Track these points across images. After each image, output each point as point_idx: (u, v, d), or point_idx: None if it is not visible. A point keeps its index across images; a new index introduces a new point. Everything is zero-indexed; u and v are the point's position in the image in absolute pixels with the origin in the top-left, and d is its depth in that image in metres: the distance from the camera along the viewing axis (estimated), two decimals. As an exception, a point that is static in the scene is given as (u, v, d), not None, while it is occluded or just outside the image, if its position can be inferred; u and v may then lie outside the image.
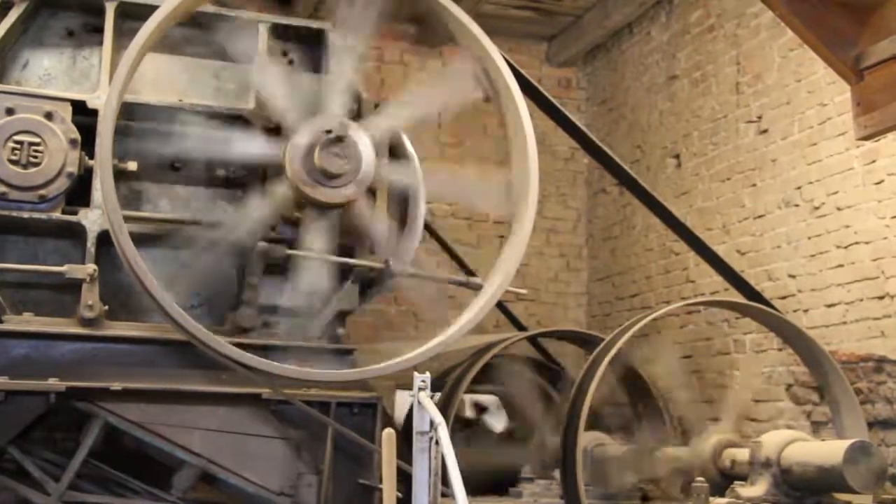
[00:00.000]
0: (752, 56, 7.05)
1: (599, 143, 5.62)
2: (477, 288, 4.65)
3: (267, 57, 4.73)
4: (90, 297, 4.30)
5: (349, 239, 4.63)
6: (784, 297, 6.41)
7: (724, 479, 4.89)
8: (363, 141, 4.29)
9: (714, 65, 7.51)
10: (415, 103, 4.51)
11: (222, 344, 3.98)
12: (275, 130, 4.45)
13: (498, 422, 7.19)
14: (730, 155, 7.25)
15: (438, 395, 5.53)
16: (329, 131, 4.18)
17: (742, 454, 4.84)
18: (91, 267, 4.30)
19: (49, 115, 4.33)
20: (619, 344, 5.39)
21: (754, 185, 6.94)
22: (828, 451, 4.34)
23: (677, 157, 7.97)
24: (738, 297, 5.81)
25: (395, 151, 4.87)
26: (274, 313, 4.67)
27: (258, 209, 4.22)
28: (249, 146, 4.33)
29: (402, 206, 4.94)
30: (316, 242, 4.26)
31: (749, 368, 6.72)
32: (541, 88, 5.29)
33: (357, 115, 4.70)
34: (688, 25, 7.90)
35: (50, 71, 4.61)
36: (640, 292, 8.38)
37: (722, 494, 4.57)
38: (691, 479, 4.65)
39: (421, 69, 8.97)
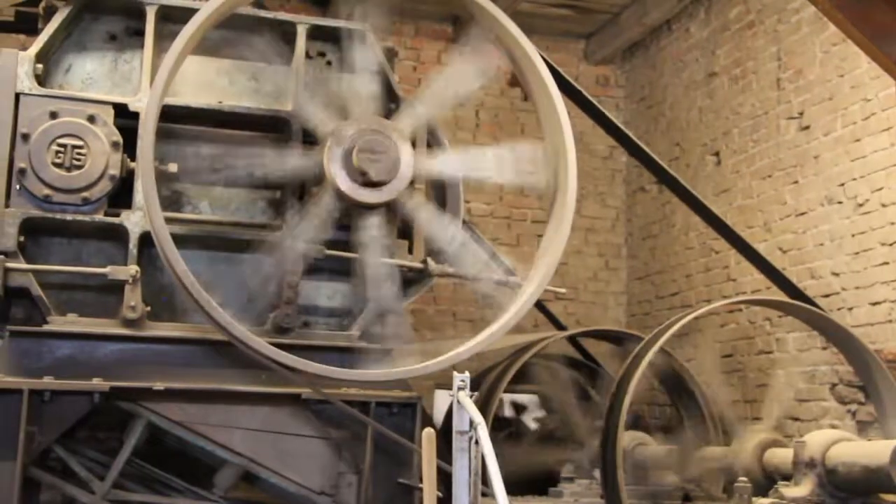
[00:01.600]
0: (793, 52, 6.96)
1: (638, 141, 5.59)
2: (516, 287, 4.64)
3: (303, 60, 4.74)
4: (133, 298, 4.34)
5: (388, 238, 4.64)
6: (827, 296, 6.32)
7: (768, 480, 4.84)
8: (401, 139, 4.30)
9: (754, 61, 7.42)
10: (441, 89, 4.50)
11: (262, 344, 4.01)
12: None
13: (535, 421, 7.17)
14: (771, 152, 7.16)
15: (476, 394, 5.53)
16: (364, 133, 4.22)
17: (786, 454, 4.78)
18: (133, 268, 4.34)
19: (92, 119, 4.38)
20: (660, 343, 5.36)
21: (796, 182, 6.85)
22: (874, 451, 4.27)
23: (717, 154, 7.89)
24: (780, 296, 5.75)
25: (429, 143, 4.88)
26: (314, 313, 4.69)
27: (312, 220, 4.23)
28: (287, 161, 4.36)
29: (440, 202, 4.94)
30: (367, 242, 4.28)
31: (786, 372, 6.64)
32: (579, 87, 5.27)
33: (395, 114, 4.71)
34: (727, 22, 7.82)
35: (92, 74, 4.66)
36: (680, 291, 8.31)
37: (765, 495, 4.51)
38: (733, 479, 4.61)
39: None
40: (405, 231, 4.77)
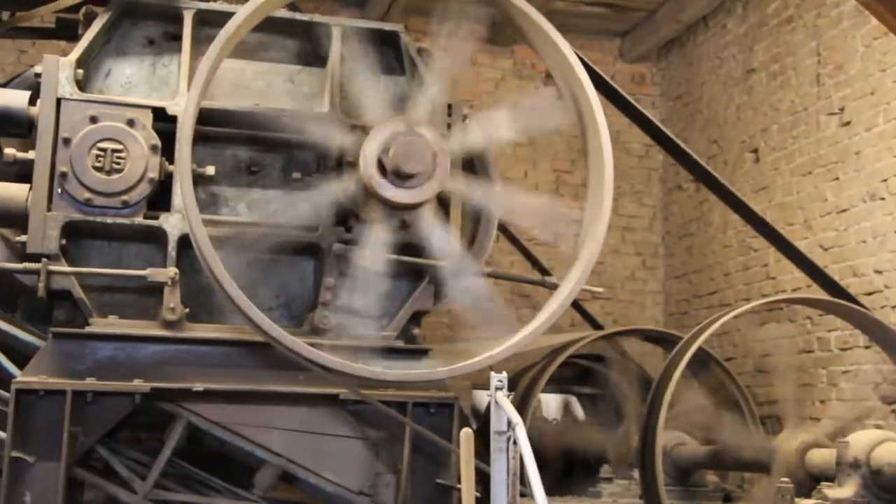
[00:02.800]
0: (833, 46, 6.87)
1: (675, 138, 5.55)
2: (552, 287, 4.62)
3: (338, 62, 4.75)
4: (172, 300, 4.38)
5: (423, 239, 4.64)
6: (870, 294, 6.24)
7: (811, 480, 4.79)
8: (440, 147, 4.29)
9: (793, 56, 7.34)
10: (503, 125, 4.48)
11: (300, 345, 4.02)
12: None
13: (556, 411, 7.15)
14: (811, 148, 7.08)
15: (513, 394, 5.53)
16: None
17: (829, 455, 4.72)
18: (172, 270, 4.38)
19: (131, 123, 4.42)
20: (699, 342, 5.32)
21: (837, 178, 6.77)
22: (919, 451, 4.21)
23: (756, 151, 7.82)
24: (821, 294, 5.68)
25: (478, 168, 4.89)
26: (351, 314, 4.70)
27: (379, 237, 4.24)
28: (329, 133, 4.35)
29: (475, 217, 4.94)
30: (373, 241, 4.27)
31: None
32: (615, 85, 5.24)
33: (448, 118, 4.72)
34: (765, 17, 7.74)
35: (131, 79, 4.71)
36: (719, 290, 8.24)
37: (808, 496, 4.47)
38: (776, 479, 4.56)
39: (492, 68, 8.97)
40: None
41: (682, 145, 5.53)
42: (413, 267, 4.60)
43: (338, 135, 4.36)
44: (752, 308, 5.94)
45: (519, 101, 4.49)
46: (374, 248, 4.22)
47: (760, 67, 7.79)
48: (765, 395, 7.14)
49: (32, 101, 4.42)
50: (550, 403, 7.21)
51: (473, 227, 4.94)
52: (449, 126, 4.72)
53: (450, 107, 4.83)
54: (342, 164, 4.44)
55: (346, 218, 4.53)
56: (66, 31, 5.00)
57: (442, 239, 4.34)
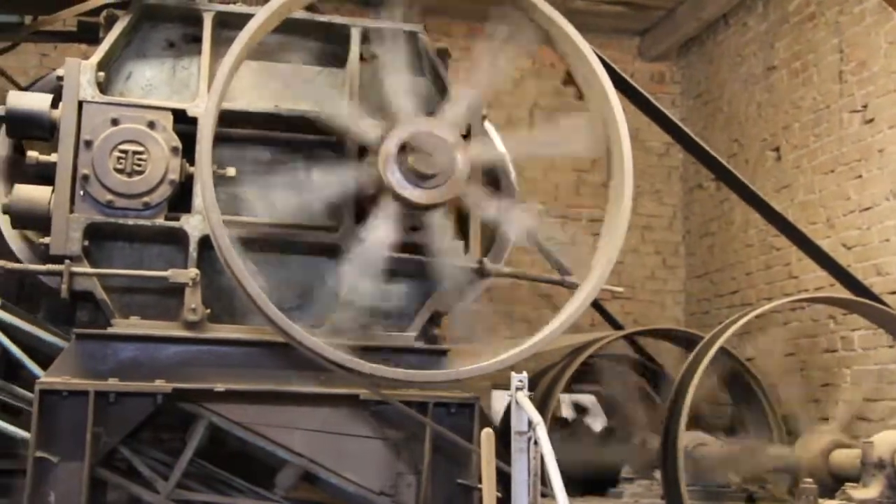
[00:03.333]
0: (856, 43, 6.82)
1: (695, 137, 5.53)
2: (572, 287, 4.61)
3: (357, 63, 4.76)
4: (193, 301, 4.40)
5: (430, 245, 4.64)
6: (894, 293, 6.19)
7: (834, 481, 4.75)
8: (452, 134, 4.28)
9: (815, 54, 7.29)
10: (482, 77, 4.48)
11: (321, 345, 4.03)
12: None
13: (597, 422, 7.13)
14: (833, 146, 7.02)
15: (533, 394, 5.53)
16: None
17: (853, 455, 4.69)
18: (193, 271, 4.40)
19: (152, 125, 4.45)
20: (720, 342, 5.30)
21: (860, 176, 6.71)
22: (946, 451, 4.17)
23: (777, 149, 7.77)
24: (845, 293, 5.64)
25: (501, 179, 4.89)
26: (371, 314, 4.71)
27: (384, 230, 4.24)
28: (343, 178, 4.37)
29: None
30: (435, 241, 4.28)
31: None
32: (634, 83, 5.22)
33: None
34: (786, 14, 7.69)
35: (152, 81, 4.73)
36: (740, 289, 8.20)
37: (832, 496, 4.44)
38: (798, 479, 4.53)
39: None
40: (461, 231, 4.76)
41: (703, 144, 5.50)
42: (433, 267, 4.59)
43: (363, 123, 4.35)
44: (775, 307, 5.91)
45: (549, 123, 4.48)
46: (378, 239, 4.22)
47: (782, 65, 7.74)
48: (787, 395, 7.09)
49: (54, 104, 4.45)
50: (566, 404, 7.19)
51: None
52: (469, 130, 4.72)
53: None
54: (362, 154, 4.43)
55: (366, 218, 4.54)
56: (88, 34, 5.03)
57: (448, 251, 4.33)
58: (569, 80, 8.23)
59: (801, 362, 7.18)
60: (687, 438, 5.45)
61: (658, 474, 5.63)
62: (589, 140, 4.41)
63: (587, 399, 7.34)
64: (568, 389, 6.75)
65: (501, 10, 4.43)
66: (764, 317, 6.17)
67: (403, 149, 4.23)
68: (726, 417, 7.60)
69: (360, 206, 4.52)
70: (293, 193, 4.52)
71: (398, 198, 4.25)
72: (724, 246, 8.52)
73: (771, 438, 6.18)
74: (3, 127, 4.63)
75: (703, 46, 9.01)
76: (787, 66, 7.66)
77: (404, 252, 4.49)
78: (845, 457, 4.79)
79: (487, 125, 4.94)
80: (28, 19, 5.20)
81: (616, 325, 7.50)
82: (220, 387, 4.32)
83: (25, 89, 5.20)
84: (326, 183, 4.35)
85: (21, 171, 4.64)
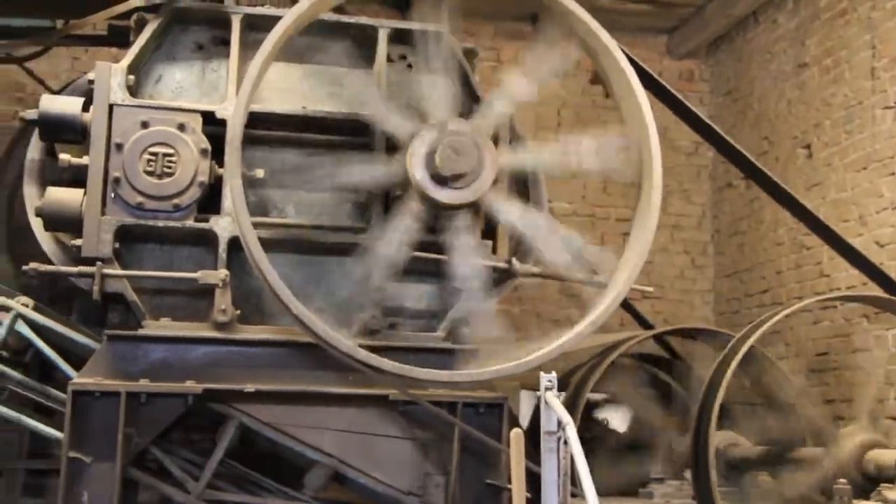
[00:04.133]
0: (888, 39, 6.74)
1: (725, 135, 5.48)
2: (601, 286, 4.59)
3: (384, 63, 4.77)
4: (223, 302, 4.43)
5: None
6: (928, 291, 6.10)
7: (868, 482, 4.70)
8: (481, 137, 4.29)
9: (847, 50, 7.21)
10: (516, 84, 4.47)
11: (349, 346, 4.04)
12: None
13: (622, 423, 7.09)
14: (865, 143, 6.95)
15: (563, 394, 5.52)
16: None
17: (888, 455, 4.64)
18: (223, 272, 4.42)
19: (181, 127, 4.48)
20: (751, 341, 5.26)
21: (893, 173, 6.64)
22: (982, 451, 4.11)
23: (808, 147, 7.70)
24: (878, 292, 5.58)
25: (530, 188, 4.90)
26: (400, 315, 4.72)
27: (402, 227, 4.25)
28: (371, 171, 4.39)
29: (523, 198, 4.92)
30: (455, 243, 4.29)
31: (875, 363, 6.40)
32: (662, 82, 5.20)
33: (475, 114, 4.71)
34: (817, 11, 7.62)
35: (181, 84, 4.76)
36: (770, 288, 8.13)
37: (866, 497, 4.38)
38: (832, 482, 4.48)
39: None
40: (489, 231, 4.76)
41: (732, 142, 5.46)
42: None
43: (396, 118, 4.37)
44: (806, 306, 5.86)
45: (582, 137, 4.47)
46: (397, 236, 4.22)
47: (813, 62, 7.67)
48: (819, 395, 7.02)
49: (86, 108, 4.49)
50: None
51: (522, 196, 4.93)
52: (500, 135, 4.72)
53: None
54: (392, 149, 4.45)
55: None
56: (118, 37, 5.07)
57: (465, 256, 4.32)
58: (596, 78, 8.20)
59: (833, 361, 7.11)
60: (718, 438, 5.42)
61: (689, 475, 5.60)
62: (620, 159, 4.40)
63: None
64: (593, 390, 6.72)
65: (528, 9, 4.41)
66: (794, 316, 6.11)
67: (432, 149, 4.23)
68: (756, 417, 7.54)
69: (389, 208, 4.54)
70: (323, 188, 4.55)
71: (424, 197, 4.25)
72: (753, 245, 8.45)
73: (802, 437, 6.11)
74: (36, 131, 4.68)
75: (732, 44, 8.94)
76: (819, 63, 7.59)
77: (431, 252, 4.50)
78: (880, 457, 4.73)
79: (521, 134, 4.94)
80: (59, 23, 5.25)
81: (646, 325, 7.47)
82: (249, 387, 4.34)
83: (57, 93, 5.25)
84: (355, 173, 4.36)
85: (53, 175, 4.69)
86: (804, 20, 7.80)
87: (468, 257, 4.32)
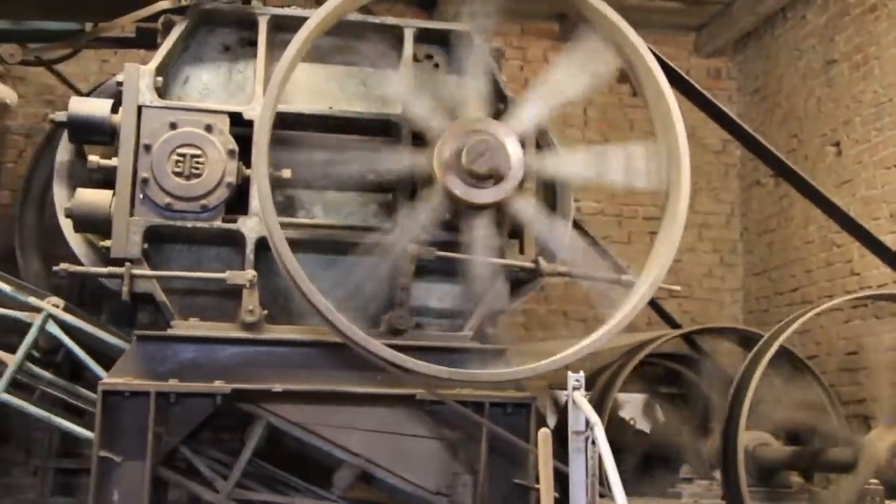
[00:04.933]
0: (919, 34, 6.66)
1: (753, 133, 5.44)
2: (629, 286, 4.57)
3: (411, 63, 4.78)
4: (250, 302, 4.44)
5: (497, 239, 4.64)
6: (961, 289, 6.03)
7: (900, 483, 4.64)
8: (509, 139, 4.29)
9: (877, 46, 7.13)
10: (553, 89, 4.47)
11: (377, 346, 4.04)
12: (424, 134, 4.48)
13: (646, 423, 7.05)
14: (896, 140, 6.87)
15: (589, 394, 5.50)
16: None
17: (920, 456, 4.58)
18: (251, 273, 4.44)
19: (209, 128, 4.50)
20: (780, 340, 5.21)
21: (924, 170, 6.56)
22: None
23: (837, 144, 7.61)
24: (909, 290, 5.51)
25: (538, 143, 4.86)
26: (427, 315, 4.72)
27: (419, 219, 4.26)
28: (398, 160, 4.41)
29: (549, 201, 4.91)
30: (475, 243, 4.28)
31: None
32: (690, 80, 5.16)
33: (504, 114, 4.70)
34: (847, 7, 7.53)
35: (208, 85, 4.79)
36: (800, 287, 8.05)
37: (897, 498, 4.33)
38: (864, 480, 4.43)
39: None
40: (516, 230, 4.75)
41: (761, 140, 5.41)
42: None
43: (428, 114, 4.37)
44: (836, 305, 5.80)
45: (615, 149, 4.47)
46: (417, 229, 4.22)
47: (842, 58, 7.58)
48: (850, 395, 6.95)
49: (114, 110, 4.53)
50: (630, 404, 7.13)
51: (549, 194, 4.93)
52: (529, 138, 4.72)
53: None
54: (419, 146, 4.47)
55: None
56: (146, 39, 5.11)
57: (485, 255, 4.31)
58: (623, 77, 8.15)
59: (864, 361, 7.03)
60: (747, 438, 5.38)
61: (718, 474, 5.56)
62: (649, 172, 4.39)
63: (637, 398, 7.27)
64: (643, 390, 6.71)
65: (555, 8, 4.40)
66: (824, 315, 6.04)
67: (459, 147, 4.23)
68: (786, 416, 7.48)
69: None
70: (349, 185, 4.57)
71: (449, 195, 4.25)
72: (783, 243, 8.37)
73: (834, 437, 6.05)
74: (65, 133, 4.72)
75: (760, 41, 8.87)
76: (848, 60, 7.50)
77: (457, 252, 4.49)
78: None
79: (551, 139, 4.93)
80: (88, 26, 5.29)
81: (673, 324, 7.42)
82: (277, 387, 4.35)
83: (86, 95, 5.30)
84: (382, 162, 4.37)
85: (83, 176, 4.73)
86: (833, 16, 7.71)
87: (487, 256, 4.31)
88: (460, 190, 4.25)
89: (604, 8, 4.37)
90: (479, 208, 4.32)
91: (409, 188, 4.59)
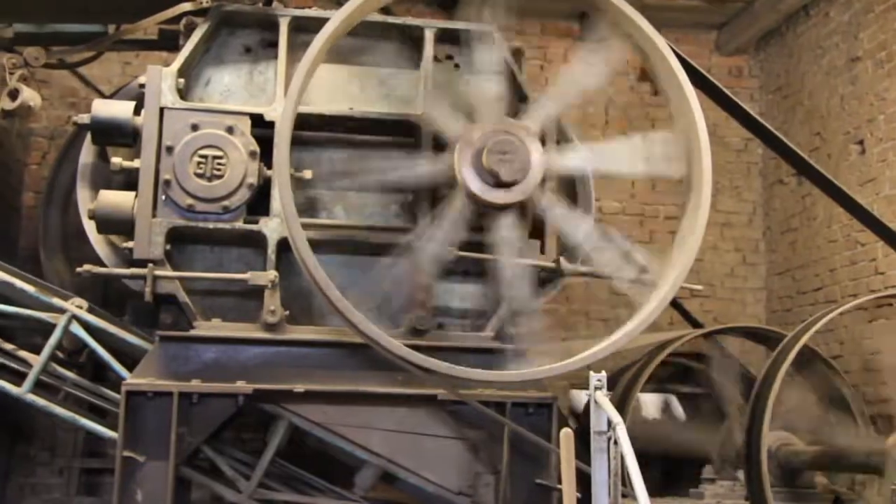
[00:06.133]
0: (944, 31, 6.59)
1: (776, 131, 5.41)
2: (650, 285, 4.55)
3: (431, 63, 4.78)
4: (272, 303, 4.46)
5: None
6: None
7: (926, 483, 4.60)
8: (531, 138, 4.28)
9: (901, 43, 7.06)
10: (570, 85, 4.45)
11: (398, 346, 4.05)
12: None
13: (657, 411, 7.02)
14: (921, 138, 6.80)
15: (612, 393, 5.48)
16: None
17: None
18: (272, 273, 4.46)
19: (230, 130, 4.52)
20: (804, 340, 5.18)
21: (949, 168, 6.49)
22: None
23: (861, 142, 7.54)
24: (934, 289, 5.46)
25: (557, 140, 4.86)
26: (448, 315, 4.72)
27: (447, 225, 4.26)
28: (419, 169, 4.40)
29: (570, 198, 4.90)
30: (501, 243, 4.28)
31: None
32: (711, 78, 5.13)
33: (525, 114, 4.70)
34: (871, 3, 7.46)
35: (230, 87, 4.81)
36: (824, 286, 7.98)
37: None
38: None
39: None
40: (537, 230, 4.74)
41: (784, 138, 5.38)
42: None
43: (448, 116, 4.37)
44: (860, 304, 5.75)
45: (633, 139, 4.46)
46: (442, 234, 4.22)
47: (866, 56, 7.51)
48: (874, 394, 6.89)
49: (137, 112, 4.56)
50: (649, 403, 7.09)
51: (570, 194, 4.92)
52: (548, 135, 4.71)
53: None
54: (439, 149, 4.46)
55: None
56: (168, 42, 5.13)
57: (575, 224, 4.28)
58: (644, 76, 8.12)
59: (880, 361, 6.96)
60: (771, 438, 5.34)
61: (741, 475, 5.53)
62: (671, 160, 4.37)
63: (669, 399, 7.24)
64: (662, 389, 6.67)
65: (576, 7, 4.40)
66: (848, 314, 5.99)
67: (480, 148, 4.23)
68: (810, 416, 7.43)
69: (436, 208, 4.54)
70: (370, 188, 4.57)
71: (471, 196, 4.25)
72: (806, 242, 8.31)
73: (859, 437, 6.00)
74: (89, 135, 4.76)
75: (782, 39, 8.80)
76: (872, 57, 7.43)
77: (478, 252, 4.49)
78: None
79: (570, 135, 4.92)
80: (111, 29, 5.32)
81: (695, 324, 7.38)
82: (299, 388, 4.37)
83: (109, 97, 5.34)
84: (402, 169, 4.37)
85: (106, 178, 4.76)
86: (857, 13, 7.65)
87: (513, 258, 4.31)
88: (481, 190, 4.24)
89: (625, 7, 4.35)
90: (502, 208, 4.31)
91: (429, 189, 4.59)
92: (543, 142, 4.50)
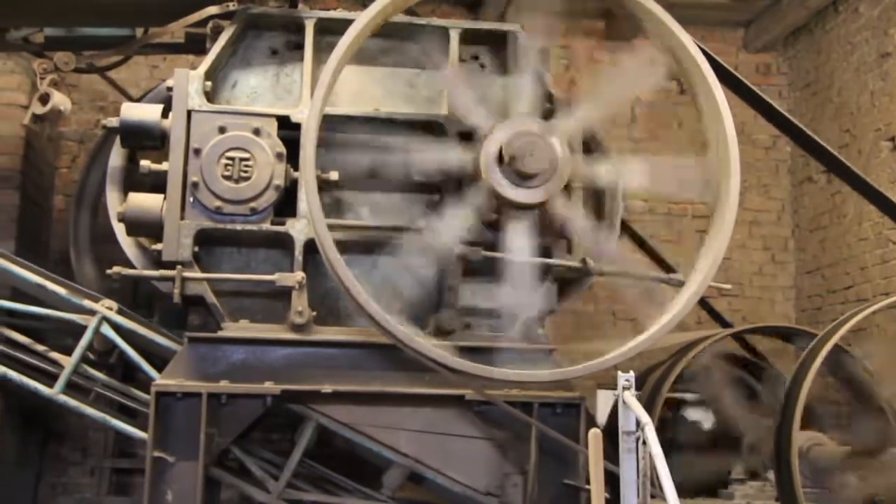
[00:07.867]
0: (975, 25, 6.50)
1: (805, 129, 5.36)
2: (678, 284, 4.52)
3: (457, 64, 4.78)
4: (299, 304, 4.48)
5: (546, 239, 4.62)
6: None
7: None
8: (556, 139, 4.27)
9: (932, 37, 6.98)
10: (606, 98, 4.44)
11: (426, 346, 4.05)
12: (469, 135, 4.48)
13: (707, 420, 6.96)
14: (952, 134, 6.72)
15: (639, 393, 5.45)
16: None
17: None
18: (299, 275, 4.47)
19: (257, 131, 4.55)
20: (835, 339, 5.12)
21: (982, 165, 6.40)
22: None
23: (892, 139, 7.46)
24: (968, 287, 5.39)
25: (589, 147, 4.83)
26: (474, 315, 4.72)
27: (460, 216, 4.26)
28: (445, 155, 4.41)
29: (597, 202, 4.88)
30: (517, 243, 4.26)
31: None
32: (739, 76, 5.10)
33: (551, 114, 4.68)
34: (900, -2, 7.39)
35: (256, 89, 4.84)
36: (855, 284, 7.90)
37: (958, 500, 4.23)
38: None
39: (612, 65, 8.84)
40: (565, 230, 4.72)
41: (813, 135, 5.33)
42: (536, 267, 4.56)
43: (481, 111, 4.37)
44: (893, 303, 5.68)
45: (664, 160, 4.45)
46: (456, 224, 4.23)
47: (896, 51, 7.43)
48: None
49: (165, 114, 4.59)
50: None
51: (597, 205, 4.90)
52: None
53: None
54: (467, 138, 4.46)
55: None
56: (195, 45, 5.17)
57: (522, 257, 4.28)
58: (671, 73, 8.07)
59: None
60: (802, 439, 5.29)
61: (771, 475, 5.48)
62: (701, 184, 4.35)
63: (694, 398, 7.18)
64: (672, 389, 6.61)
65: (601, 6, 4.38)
66: (880, 313, 5.92)
67: (506, 147, 4.22)
68: (840, 416, 7.35)
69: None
70: (395, 185, 4.57)
71: (494, 194, 4.24)
72: (836, 240, 8.23)
73: (892, 438, 5.93)
74: (118, 138, 4.80)
75: (810, 35, 8.72)
76: (902, 52, 7.36)
77: (491, 250, 4.48)
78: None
79: (604, 145, 4.90)
80: (139, 32, 5.37)
81: (724, 323, 7.33)
82: (327, 388, 4.38)
83: (137, 101, 5.38)
84: (428, 158, 4.38)
85: (134, 181, 4.80)
86: (887, 8, 7.56)
87: (529, 258, 4.29)
88: (505, 189, 4.23)
89: (651, 5, 4.33)
90: (525, 208, 4.30)
91: (455, 188, 4.59)
92: (572, 146, 4.47)
